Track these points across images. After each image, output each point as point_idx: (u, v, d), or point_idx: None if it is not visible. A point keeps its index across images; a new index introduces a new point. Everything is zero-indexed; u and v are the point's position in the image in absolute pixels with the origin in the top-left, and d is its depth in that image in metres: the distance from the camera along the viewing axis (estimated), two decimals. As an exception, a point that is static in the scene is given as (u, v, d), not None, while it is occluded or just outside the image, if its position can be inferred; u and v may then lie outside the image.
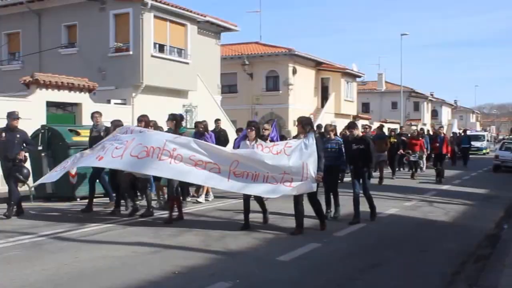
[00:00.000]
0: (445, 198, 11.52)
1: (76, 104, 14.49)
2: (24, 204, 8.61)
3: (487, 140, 38.06)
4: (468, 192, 12.90)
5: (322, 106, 29.73)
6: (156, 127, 9.56)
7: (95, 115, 9.40)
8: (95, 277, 4.95)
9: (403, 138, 17.29)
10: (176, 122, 8.32)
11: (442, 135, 16.02)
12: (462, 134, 25.07)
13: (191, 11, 18.37)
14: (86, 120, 13.68)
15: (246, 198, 7.35)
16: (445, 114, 60.67)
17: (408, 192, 12.49)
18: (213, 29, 21.33)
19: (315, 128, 8.53)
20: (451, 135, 24.83)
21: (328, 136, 8.46)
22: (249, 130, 7.27)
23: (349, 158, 8.16)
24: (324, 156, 7.53)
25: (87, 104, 14.61)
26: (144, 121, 8.62)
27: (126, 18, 16.83)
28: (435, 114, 55.72)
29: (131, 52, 16.66)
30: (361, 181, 8.01)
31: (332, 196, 8.42)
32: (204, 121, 10.84)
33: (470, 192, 12.92)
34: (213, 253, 5.64)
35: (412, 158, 16.52)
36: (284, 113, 26.45)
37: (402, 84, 37.93)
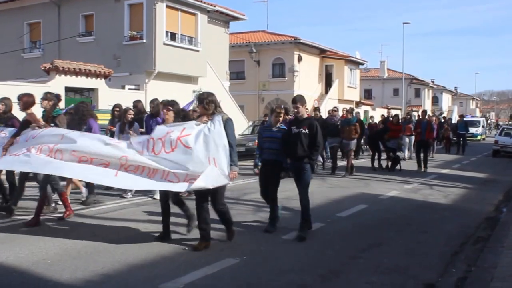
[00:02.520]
0: (445, 181, 11.37)
1: (92, 90, 14.53)
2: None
3: (483, 126, 36.55)
4: (467, 176, 12.70)
5: (326, 92, 29.52)
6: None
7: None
8: (111, 251, 4.96)
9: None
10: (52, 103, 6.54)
11: (425, 120, 13.98)
12: (459, 119, 23.63)
13: (201, 1, 18.17)
14: (103, 105, 13.71)
15: (164, 200, 5.57)
16: (446, 100, 59.93)
17: (409, 175, 12.35)
18: (222, 18, 21.13)
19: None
20: (442, 120, 22.89)
21: (278, 120, 6.11)
22: (165, 111, 5.52)
23: (286, 145, 5.84)
24: (264, 147, 5.96)
25: (103, 89, 14.65)
26: (5, 103, 7.04)
27: (140, 8, 16.74)
28: (435, 100, 55.03)
29: (144, 40, 16.58)
30: (300, 178, 5.77)
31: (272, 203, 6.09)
32: (139, 101, 8.62)
33: (470, 176, 12.73)
34: (222, 231, 5.61)
35: (389, 146, 13.70)
36: (290, 99, 26.18)
37: (403, 71, 37.48)
